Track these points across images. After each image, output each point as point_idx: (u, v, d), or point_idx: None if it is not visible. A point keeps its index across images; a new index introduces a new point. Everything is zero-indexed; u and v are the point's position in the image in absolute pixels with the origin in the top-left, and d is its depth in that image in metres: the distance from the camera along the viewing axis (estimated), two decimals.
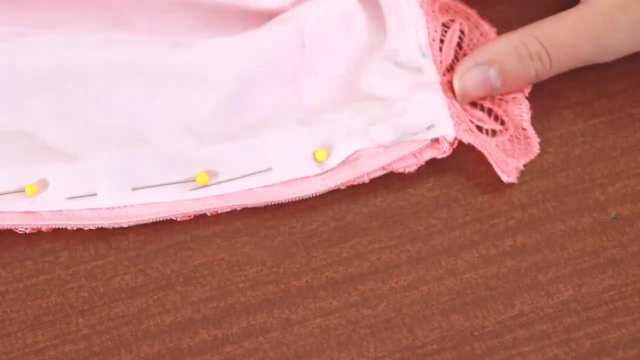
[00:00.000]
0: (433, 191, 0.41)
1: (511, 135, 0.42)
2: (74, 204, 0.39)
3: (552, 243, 0.40)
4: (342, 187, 0.40)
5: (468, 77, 0.41)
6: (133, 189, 0.39)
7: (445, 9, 0.45)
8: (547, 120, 0.43)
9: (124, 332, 0.37)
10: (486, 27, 0.44)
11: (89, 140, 0.40)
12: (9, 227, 0.39)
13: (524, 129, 0.42)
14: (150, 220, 0.39)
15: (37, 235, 0.39)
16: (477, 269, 0.39)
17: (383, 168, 0.40)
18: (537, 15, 0.43)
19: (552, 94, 0.44)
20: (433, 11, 0.44)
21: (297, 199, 0.40)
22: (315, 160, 0.40)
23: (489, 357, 0.37)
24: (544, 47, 0.41)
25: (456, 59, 0.43)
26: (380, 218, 0.40)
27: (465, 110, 0.42)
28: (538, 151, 0.42)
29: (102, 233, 0.39)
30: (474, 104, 0.42)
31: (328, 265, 0.39)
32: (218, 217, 0.40)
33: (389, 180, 0.41)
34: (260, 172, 0.40)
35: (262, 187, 0.40)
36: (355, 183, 0.40)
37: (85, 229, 0.39)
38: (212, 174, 0.40)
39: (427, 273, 0.39)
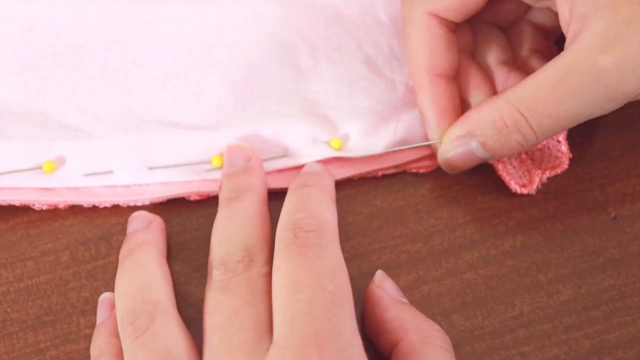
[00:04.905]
0: (433, 191, 0.41)
1: (543, 145, 0.41)
2: (90, 181, 0.39)
3: (552, 243, 0.40)
4: (355, 178, 0.41)
5: (451, 149, 0.38)
6: (149, 168, 0.39)
7: None
8: None
9: None
10: None
11: (105, 121, 0.41)
12: (26, 203, 0.39)
13: (558, 141, 0.41)
14: (165, 199, 0.39)
15: (38, 235, 0.39)
16: (477, 269, 0.39)
17: (397, 166, 0.41)
18: None
19: None
20: None
21: None
22: (331, 148, 0.40)
23: (489, 357, 0.37)
24: (523, 116, 0.36)
25: None
26: (380, 218, 0.40)
27: None
28: (566, 167, 0.40)
29: (102, 233, 0.39)
30: None
31: None
32: None
33: (390, 181, 0.41)
34: (275, 157, 0.40)
35: (276, 170, 0.40)
36: (368, 176, 0.41)
37: (101, 206, 0.39)
38: None
39: (428, 273, 0.39)
